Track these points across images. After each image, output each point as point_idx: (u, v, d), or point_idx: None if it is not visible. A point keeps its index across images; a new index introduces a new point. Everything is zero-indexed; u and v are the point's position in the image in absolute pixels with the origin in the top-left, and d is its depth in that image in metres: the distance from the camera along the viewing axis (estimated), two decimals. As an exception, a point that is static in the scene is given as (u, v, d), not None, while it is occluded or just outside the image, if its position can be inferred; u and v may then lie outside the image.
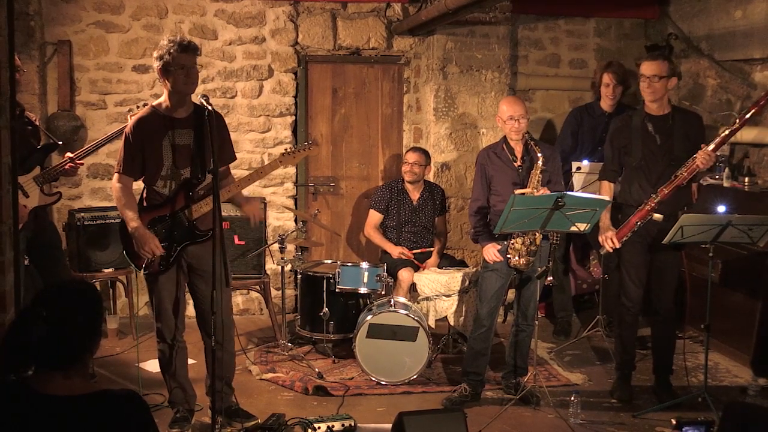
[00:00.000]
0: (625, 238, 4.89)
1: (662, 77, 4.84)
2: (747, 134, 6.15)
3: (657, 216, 4.84)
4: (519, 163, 4.94)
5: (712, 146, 4.69)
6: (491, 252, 4.91)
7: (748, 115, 4.66)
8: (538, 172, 4.77)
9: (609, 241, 4.91)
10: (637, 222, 4.84)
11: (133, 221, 4.22)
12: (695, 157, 4.70)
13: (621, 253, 5.06)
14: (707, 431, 3.34)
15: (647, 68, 4.89)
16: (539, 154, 4.75)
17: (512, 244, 4.84)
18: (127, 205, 4.26)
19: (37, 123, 5.33)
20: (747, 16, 6.25)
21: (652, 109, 4.95)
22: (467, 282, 5.66)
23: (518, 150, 4.96)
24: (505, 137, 5.03)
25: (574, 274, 6.61)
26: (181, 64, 4.15)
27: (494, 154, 5.03)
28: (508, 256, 4.86)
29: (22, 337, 2.23)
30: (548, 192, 4.71)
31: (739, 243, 5.01)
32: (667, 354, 5.13)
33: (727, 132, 4.73)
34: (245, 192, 5.97)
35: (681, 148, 4.84)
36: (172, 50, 4.13)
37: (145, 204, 4.36)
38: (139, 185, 4.42)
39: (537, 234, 4.78)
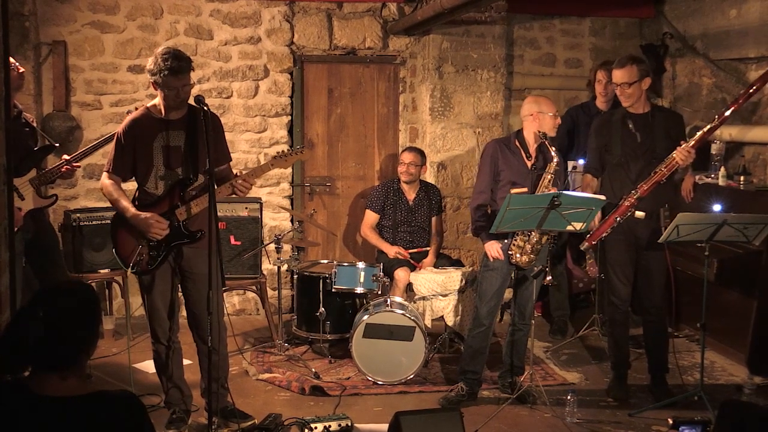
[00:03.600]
0: (605, 234, 4.90)
1: (632, 83, 4.86)
2: (742, 133, 6.17)
3: (639, 213, 4.86)
4: (533, 161, 4.89)
5: (691, 143, 4.71)
6: (494, 249, 4.86)
7: (727, 113, 4.69)
8: (551, 171, 4.74)
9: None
10: (616, 218, 4.85)
11: (129, 210, 4.23)
12: (674, 154, 4.72)
13: (606, 252, 5.08)
14: (704, 431, 3.34)
15: (616, 76, 4.93)
16: (555, 156, 4.69)
17: (515, 241, 4.83)
18: (121, 197, 4.28)
19: (35, 124, 5.32)
20: (742, 15, 6.26)
21: (632, 108, 4.97)
22: (464, 281, 5.66)
23: (533, 150, 4.90)
24: (518, 134, 4.97)
25: (570, 273, 6.62)
26: (172, 86, 4.16)
27: (506, 148, 4.93)
28: (510, 252, 4.85)
29: (18, 338, 2.23)
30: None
31: (734, 242, 5.02)
32: (661, 352, 5.14)
33: (706, 129, 4.75)
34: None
35: (662, 146, 4.86)
36: (162, 74, 4.11)
37: (136, 204, 4.35)
38: (132, 186, 4.42)
39: (541, 233, 4.76)
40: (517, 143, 4.93)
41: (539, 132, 4.78)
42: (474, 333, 5.04)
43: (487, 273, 4.97)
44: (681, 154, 4.70)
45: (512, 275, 4.97)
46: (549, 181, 4.75)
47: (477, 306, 5.06)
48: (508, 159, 4.91)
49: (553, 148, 4.72)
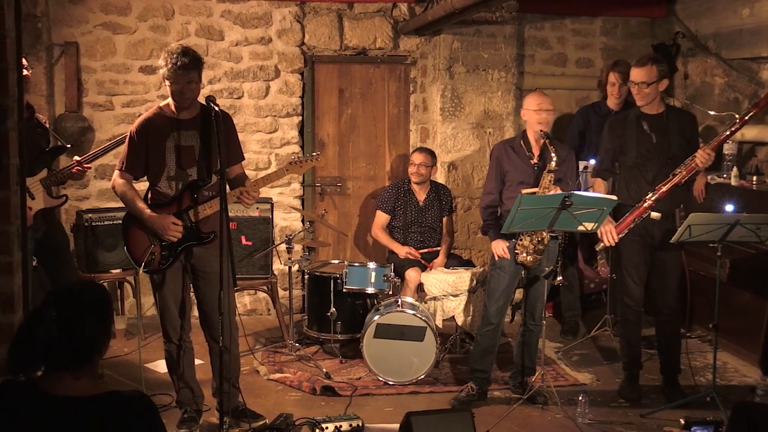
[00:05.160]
0: (621, 235, 4.88)
1: (651, 83, 4.83)
2: (755, 133, 6.14)
3: (655, 214, 4.84)
4: (536, 160, 4.91)
5: (711, 145, 4.70)
6: (500, 247, 4.90)
7: (747, 116, 4.66)
8: (551, 171, 4.74)
9: (609, 235, 4.86)
10: (634, 219, 4.84)
11: (145, 211, 4.25)
12: (694, 156, 4.70)
13: (620, 252, 5.06)
14: (716, 431, 3.33)
15: (635, 75, 4.89)
16: (553, 155, 4.71)
17: (520, 241, 4.84)
18: (135, 197, 4.30)
19: (47, 125, 5.34)
20: (754, 14, 6.23)
21: (647, 109, 4.94)
22: (474, 282, 5.65)
23: (536, 148, 4.92)
24: (523, 133, 5.01)
25: (582, 274, 6.60)
26: (176, 80, 4.18)
27: (511, 148, 4.99)
28: (516, 252, 4.86)
29: (31, 338, 2.24)
30: (560, 191, 4.70)
31: (747, 242, 5.00)
32: (674, 353, 5.12)
33: (727, 132, 4.73)
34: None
35: (677, 146, 4.85)
36: (168, 66, 4.16)
37: (149, 203, 4.36)
38: (144, 185, 4.44)
39: (544, 233, 4.77)
40: (521, 143, 4.96)
41: (541, 131, 4.80)
42: (483, 332, 5.06)
43: (494, 272, 5.01)
44: (702, 157, 4.67)
45: (521, 275, 4.97)
46: (549, 181, 4.75)
47: (485, 305, 5.08)
48: (512, 159, 4.96)
49: (553, 148, 4.73)
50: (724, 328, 5.16)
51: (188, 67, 4.17)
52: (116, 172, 4.37)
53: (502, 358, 5.65)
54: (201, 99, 4.35)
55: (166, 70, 4.17)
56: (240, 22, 6.76)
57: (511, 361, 5.29)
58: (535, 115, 4.86)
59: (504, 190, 4.99)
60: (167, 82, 4.21)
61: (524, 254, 4.84)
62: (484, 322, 5.08)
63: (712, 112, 6.14)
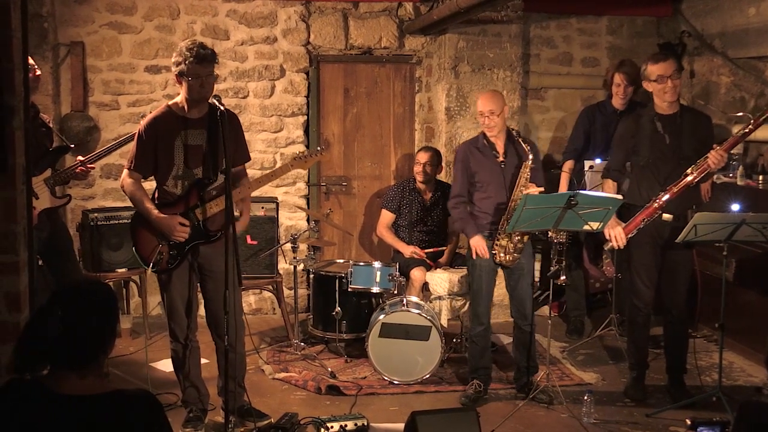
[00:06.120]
0: (630, 235, 4.86)
1: (678, 75, 4.83)
2: (761, 132, 6.11)
3: (666, 216, 4.82)
4: (501, 158, 4.92)
5: (724, 147, 4.66)
6: (481, 246, 4.89)
7: (762, 118, 4.60)
8: (527, 170, 4.78)
9: (617, 239, 4.85)
10: (643, 219, 4.82)
11: (153, 211, 4.26)
12: (707, 157, 4.67)
13: (631, 254, 5.03)
14: (722, 431, 3.32)
15: (666, 68, 4.81)
16: (528, 151, 4.75)
17: (498, 241, 4.87)
18: (144, 197, 4.31)
19: (51, 125, 5.36)
20: (761, 13, 6.21)
21: (663, 108, 4.91)
22: (480, 281, 5.65)
23: (499, 145, 4.95)
24: (483, 132, 5.02)
25: (587, 273, 6.59)
26: (197, 74, 4.16)
27: (476, 149, 5.01)
28: (494, 252, 4.90)
29: (37, 337, 2.25)
30: (536, 188, 4.74)
31: (753, 242, 4.98)
32: (681, 353, 5.11)
33: (740, 133, 4.69)
34: (257, 193, 5.98)
35: (690, 148, 4.81)
36: (188, 60, 4.13)
37: (156, 203, 4.37)
38: (150, 185, 4.44)
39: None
40: (485, 142, 4.99)
41: (511, 129, 4.89)
42: (476, 333, 5.09)
43: (475, 272, 5.03)
44: (714, 158, 4.63)
45: (495, 274, 5.03)
46: (526, 179, 4.79)
47: (473, 307, 5.11)
48: (479, 160, 4.99)
49: (527, 145, 4.76)
50: (730, 328, 5.14)
51: (208, 58, 4.18)
52: (125, 171, 4.37)
53: (506, 358, 5.65)
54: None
55: (186, 65, 4.14)
56: (245, 22, 6.77)
57: (513, 361, 5.29)
58: (480, 120, 4.96)
59: (474, 191, 5.00)
60: (186, 78, 4.17)
61: (502, 254, 4.87)
62: (475, 323, 5.09)
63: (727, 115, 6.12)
